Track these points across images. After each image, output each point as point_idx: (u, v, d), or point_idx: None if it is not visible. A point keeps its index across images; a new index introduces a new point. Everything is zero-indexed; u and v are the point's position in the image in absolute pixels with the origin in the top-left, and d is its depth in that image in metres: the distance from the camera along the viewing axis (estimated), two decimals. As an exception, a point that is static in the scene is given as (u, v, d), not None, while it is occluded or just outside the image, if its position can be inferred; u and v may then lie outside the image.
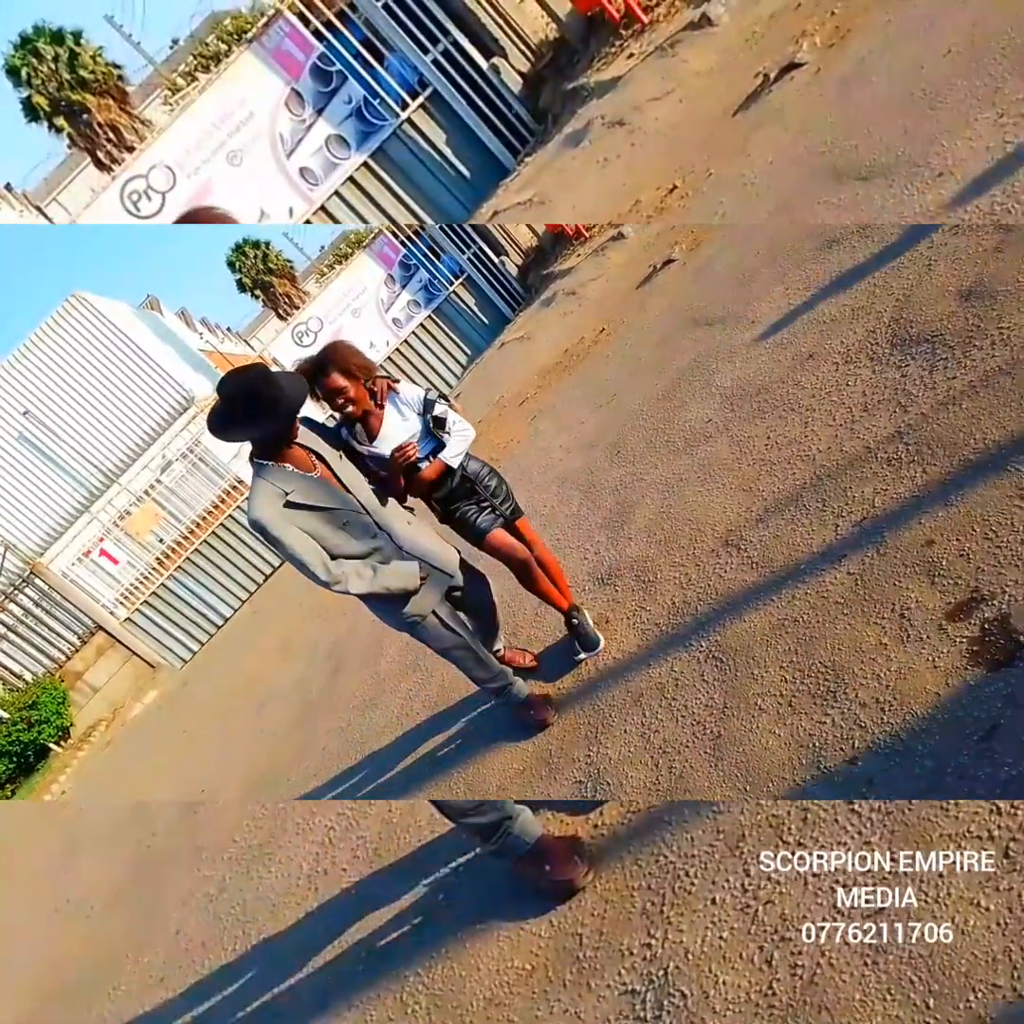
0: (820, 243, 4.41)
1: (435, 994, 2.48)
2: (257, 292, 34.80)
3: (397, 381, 2.92)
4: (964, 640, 2.03)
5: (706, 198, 6.46)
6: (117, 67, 17.12)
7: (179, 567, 13.13)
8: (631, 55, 8.78)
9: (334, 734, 4.90)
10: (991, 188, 3.40)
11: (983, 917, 1.57)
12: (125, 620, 13.00)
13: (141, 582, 13.12)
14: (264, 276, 34.27)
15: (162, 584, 13.10)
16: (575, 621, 3.17)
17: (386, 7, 10.75)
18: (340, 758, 4.54)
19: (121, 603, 13.08)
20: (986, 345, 2.79)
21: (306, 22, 11.53)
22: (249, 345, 31.27)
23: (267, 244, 34.74)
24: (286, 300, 34.14)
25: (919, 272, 3.46)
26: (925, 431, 2.70)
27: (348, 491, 2.64)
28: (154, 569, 13.19)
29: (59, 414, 14.17)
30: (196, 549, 13.14)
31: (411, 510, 2.96)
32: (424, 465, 2.90)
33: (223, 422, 2.40)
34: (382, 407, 2.83)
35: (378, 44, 11.88)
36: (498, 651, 3.34)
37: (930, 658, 2.06)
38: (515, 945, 2.38)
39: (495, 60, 10.85)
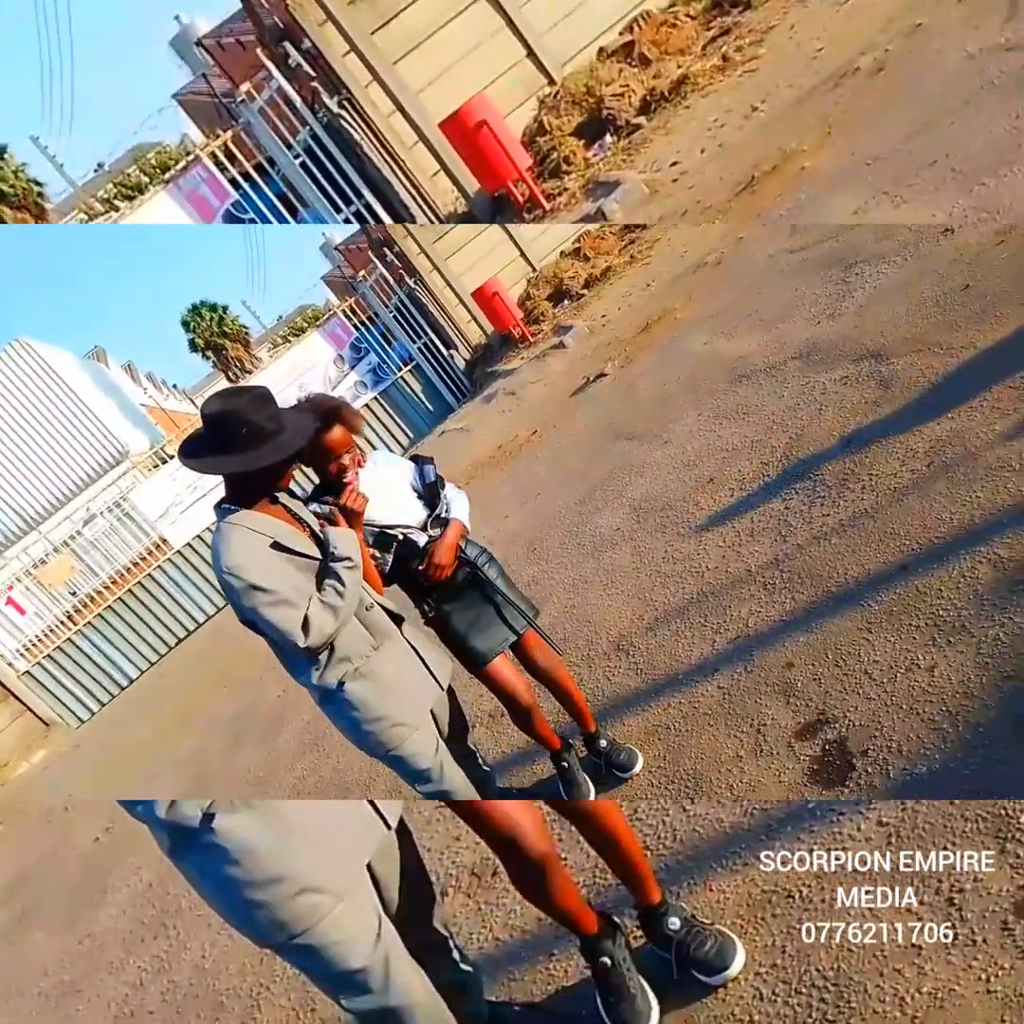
0: (732, 377, 4.81)
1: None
2: (209, 353, 34.99)
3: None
4: (807, 758, 2.22)
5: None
6: (38, 184, 17.62)
7: (88, 623, 12.69)
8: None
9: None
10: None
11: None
12: (24, 673, 12.42)
13: (46, 635, 12.61)
14: (218, 339, 34.54)
15: (68, 639, 12.61)
16: (565, 764, 2.68)
17: (304, 165, 11.32)
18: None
19: (22, 655, 12.51)
20: (858, 489, 3.11)
21: (224, 170, 12.01)
22: (194, 404, 31.13)
23: (224, 308, 35.20)
24: (237, 364, 34.36)
25: (811, 415, 3.82)
26: (798, 561, 2.97)
27: None
28: (62, 623, 12.71)
29: (-16, 455, 13.86)
30: (109, 606, 12.74)
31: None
32: (422, 537, 2.35)
33: (195, 447, 1.99)
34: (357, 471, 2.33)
35: (293, 199, 12.41)
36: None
37: (777, 773, 2.24)
38: None
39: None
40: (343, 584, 1.99)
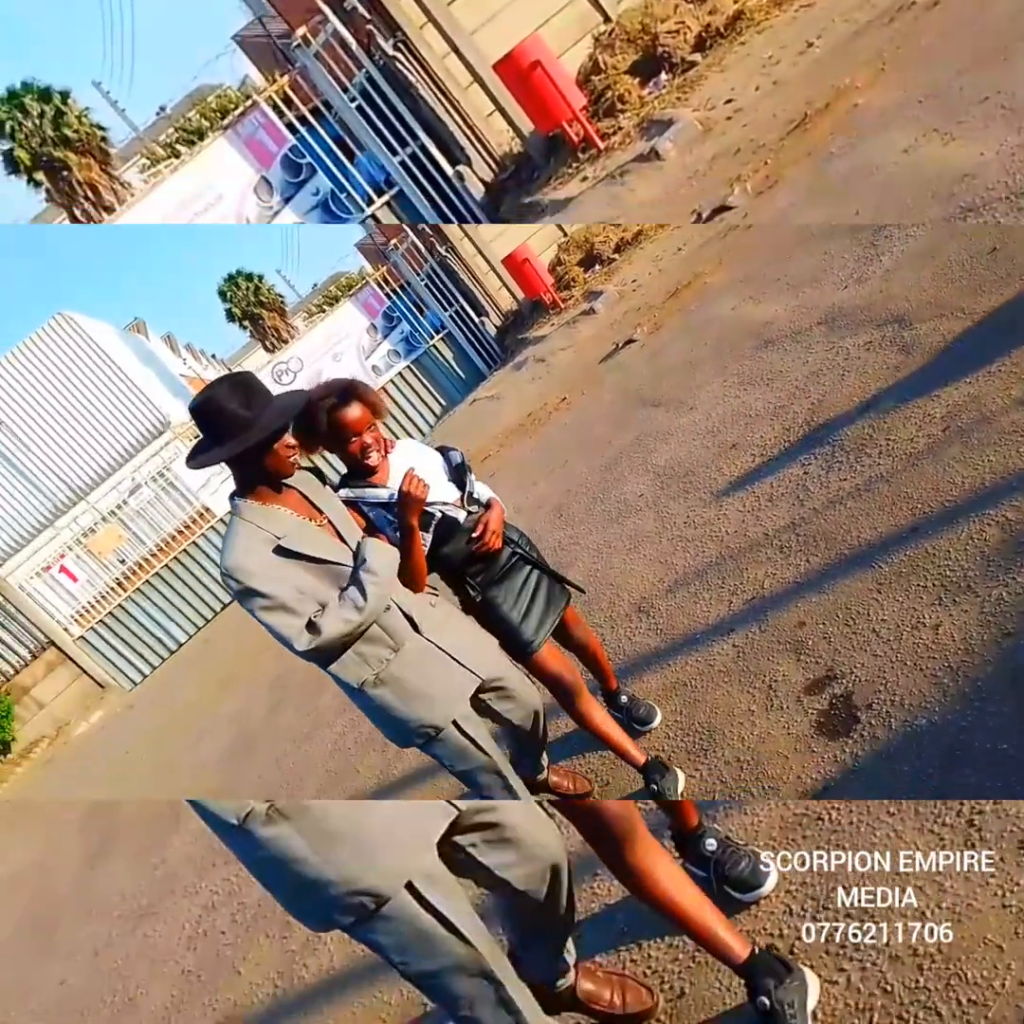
0: (758, 342, 4.84)
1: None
2: (246, 323, 35.34)
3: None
4: (815, 712, 2.33)
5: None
6: (101, 129, 17.68)
7: (138, 590, 13.17)
8: (585, 178, 9.47)
9: (269, 765, 5.07)
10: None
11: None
12: (78, 638, 12.97)
13: (98, 601, 13.12)
14: (254, 308, 34.85)
15: (119, 605, 13.11)
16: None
17: (360, 108, 11.35)
18: (271, 789, 4.71)
19: (76, 621, 13.05)
20: (875, 454, 3.16)
21: (281, 114, 12.10)
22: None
23: (260, 278, 35.45)
24: (274, 333, 34.68)
25: (834, 381, 3.86)
26: (814, 525, 3.05)
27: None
28: (112, 589, 13.20)
29: (33, 428, 14.31)
30: (156, 573, 13.20)
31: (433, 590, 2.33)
32: (461, 513, 2.30)
33: (194, 449, 1.98)
34: (386, 455, 2.32)
35: (349, 142, 12.50)
36: (543, 776, 2.70)
37: (786, 726, 2.36)
38: (368, 1010, 2.60)
39: (460, 167, 11.49)
40: (365, 598, 1.93)
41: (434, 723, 2.07)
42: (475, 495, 2.34)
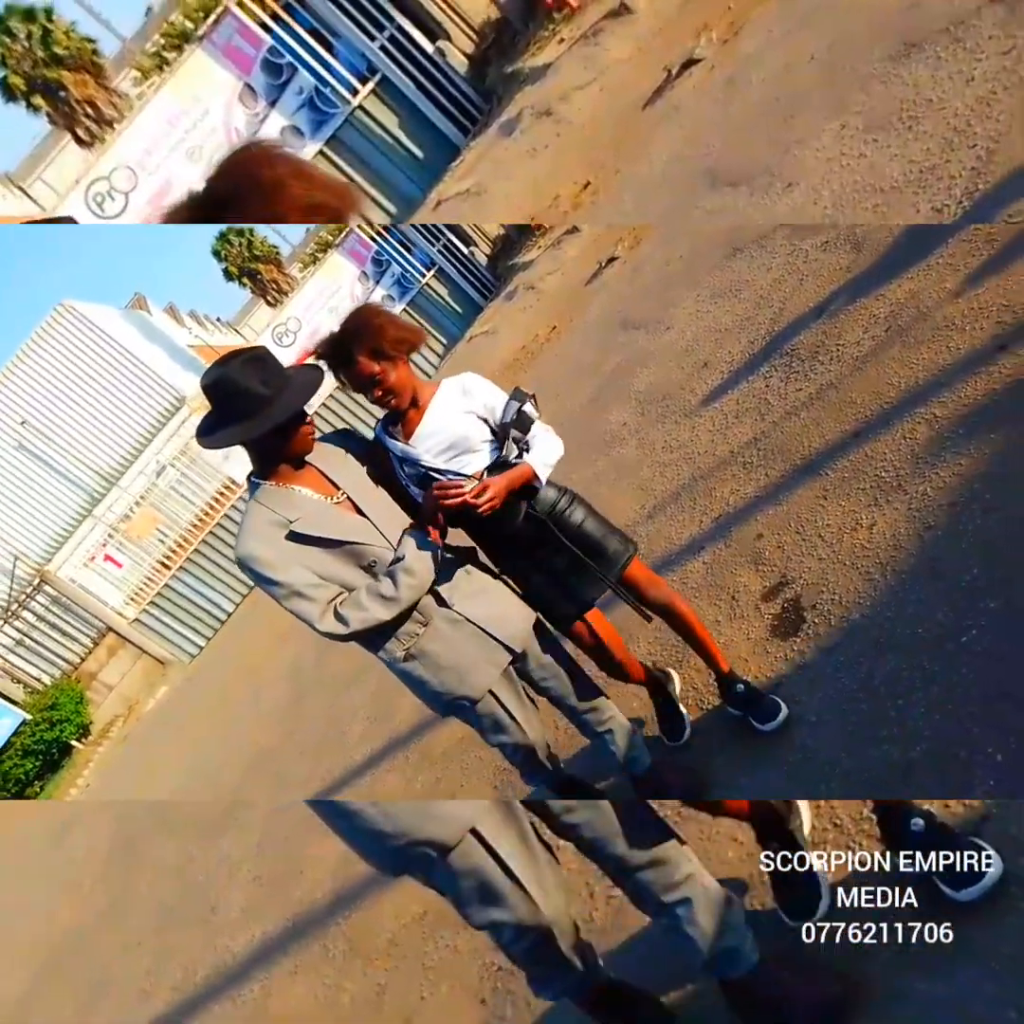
0: (727, 251, 4.90)
1: (350, 938, 3.12)
2: (244, 280, 35.01)
3: None
4: (770, 616, 2.57)
5: (612, 196, 7.05)
6: (91, 41, 17.07)
7: (181, 567, 13.73)
8: (562, 40, 9.34)
9: (320, 711, 5.51)
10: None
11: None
12: (133, 620, 13.64)
13: (146, 583, 13.74)
14: (250, 264, 34.47)
15: (166, 584, 13.71)
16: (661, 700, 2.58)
17: None
18: (325, 733, 5.15)
19: (129, 604, 13.71)
20: (827, 360, 3.30)
21: (254, 16, 11.86)
22: (239, 334, 31.51)
23: (251, 231, 34.92)
24: (274, 286, 34.33)
25: (794, 286, 3.96)
26: (773, 438, 3.22)
27: (376, 528, 1.96)
28: (157, 570, 13.78)
29: (56, 422, 14.70)
30: (196, 549, 13.72)
31: (472, 554, 2.18)
32: (470, 481, 1.97)
33: (205, 425, 1.90)
34: (406, 403, 2.05)
35: (325, 33, 12.23)
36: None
37: (746, 632, 2.60)
38: (412, 893, 2.93)
39: (440, 43, 11.23)
40: (398, 596, 1.89)
41: (467, 695, 2.03)
42: (510, 461, 2.05)
